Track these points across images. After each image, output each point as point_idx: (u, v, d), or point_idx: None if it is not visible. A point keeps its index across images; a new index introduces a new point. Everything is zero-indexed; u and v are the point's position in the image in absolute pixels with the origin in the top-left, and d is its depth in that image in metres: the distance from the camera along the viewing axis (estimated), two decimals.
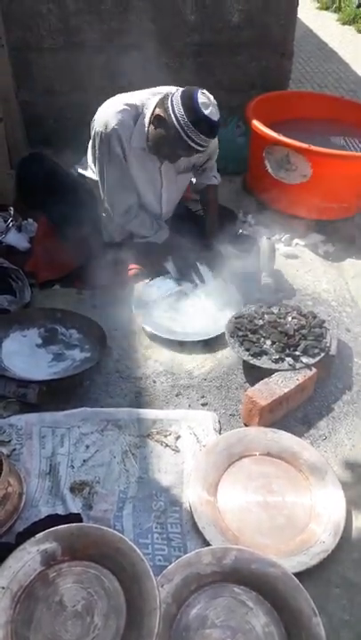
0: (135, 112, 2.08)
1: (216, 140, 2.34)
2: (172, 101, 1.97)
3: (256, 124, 2.74)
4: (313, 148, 2.54)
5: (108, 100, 2.14)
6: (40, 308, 2.24)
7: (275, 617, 1.34)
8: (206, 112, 1.92)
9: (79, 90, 3.08)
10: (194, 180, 2.54)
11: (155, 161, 2.20)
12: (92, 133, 2.17)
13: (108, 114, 2.09)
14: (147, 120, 2.07)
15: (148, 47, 3.04)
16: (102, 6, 2.88)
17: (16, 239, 2.49)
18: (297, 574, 1.40)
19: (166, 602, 1.33)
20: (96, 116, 2.13)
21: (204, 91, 1.98)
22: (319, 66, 5.45)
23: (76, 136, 2.27)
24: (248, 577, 1.40)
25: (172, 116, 1.95)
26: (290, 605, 1.34)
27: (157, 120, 2.02)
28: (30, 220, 2.59)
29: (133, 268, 2.39)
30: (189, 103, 1.93)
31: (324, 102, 3.20)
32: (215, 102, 1.98)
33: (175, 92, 2.01)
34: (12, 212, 2.54)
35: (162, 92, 2.09)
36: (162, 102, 2.01)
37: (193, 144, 1.97)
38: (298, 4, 3.13)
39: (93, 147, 2.21)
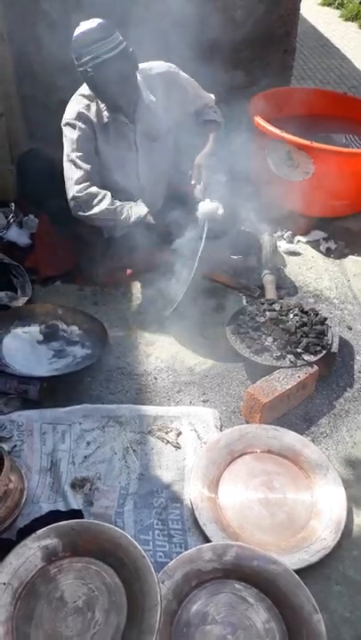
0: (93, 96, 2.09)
1: (202, 91, 2.32)
2: None
3: (258, 120, 2.73)
4: (315, 144, 2.53)
5: (72, 97, 2.16)
6: (41, 305, 2.24)
7: (276, 613, 1.35)
8: (77, 31, 1.93)
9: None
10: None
11: (128, 132, 2.16)
12: (63, 128, 2.14)
13: (71, 106, 2.11)
14: None
15: (150, 43, 3.03)
16: (105, 2, 2.86)
17: (17, 235, 2.49)
18: (298, 571, 1.40)
19: (167, 598, 1.33)
20: (65, 112, 2.13)
21: None
22: (322, 62, 5.43)
23: None
24: (249, 574, 1.40)
25: (75, 63, 1.96)
26: (291, 602, 1.34)
27: (82, 78, 2.01)
28: (31, 216, 2.58)
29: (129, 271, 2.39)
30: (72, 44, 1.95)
31: (327, 99, 3.18)
32: (94, 19, 1.95)
33: None
34: (13, 208, 2.53)
35: None
36: None
37: (90, 63, 1.91)
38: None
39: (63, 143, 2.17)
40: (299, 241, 2.78)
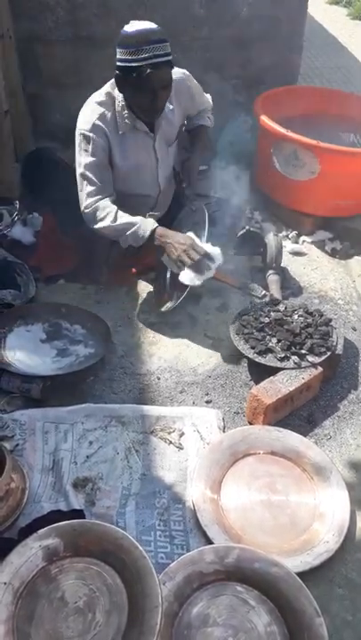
0: (110, 100, 2.06)
1: (204, 95, 2.32)
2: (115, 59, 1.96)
3: (264, 119, 2.71)
4: (321, 144, 2.52)
5: (86, 102, 2.11)
6: (44, 303, 2.24)
7: (277, 616, 1.34)
8: (132, 29, 1.89)
9: (86, 84, 3.04)
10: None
11: (147, 140, 2.16)
12: (76, 138, 2.10)
13: (86, 113, 2.07)
14: (120, 97, 2.04)
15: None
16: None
17: (21, 233, 2.49)
18: (300, 574, 1.39)
19: (168, 600, 1.32)
20: (78, 121, 2.09)
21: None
22: (328, 61, 5.40)
23: None
24: (251, 576, 1.39)
25: (118, 63, 1.92)
26: (292, 605, 1.33)
27: (118, 84, 1.99)
28: (36, 215, 2.58)
29: (134, 270, 2.40)
30: (119, 39, 1.91)
31: (334, 98, 3.17)
32: (144, 22, 1.92)
33: None
34: (17, 206, 2.53)
35: None
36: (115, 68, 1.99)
37: (146, 61, 1.87)
38: None
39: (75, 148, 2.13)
40: (304, 241, 2.76)
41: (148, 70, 1.88)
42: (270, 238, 2.41)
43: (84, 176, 2.08)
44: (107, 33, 2.94)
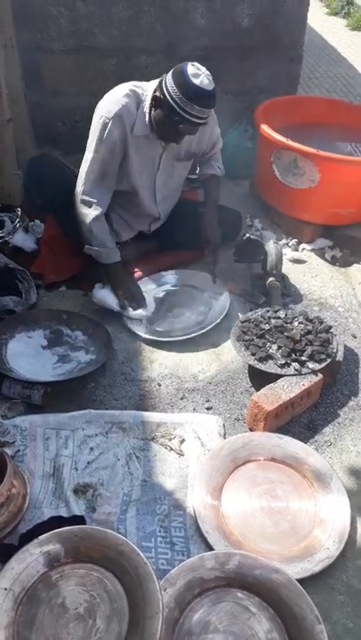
0: (137, 99, 2.09)
1: (218, 127, 2.38)
2: (165, 80, 2.00)
3: (264, 128, 2.74)
4: (321, 152, 2.54)
5: (113, 89, 2.14)
6: (46, 310, 2.25)
7: (278, 623, 1.33)
8: (197, 82, 1.93)
9: (87, 93, 3.08)
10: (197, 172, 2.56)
11: (157, 148, 2.19)
12: (93, 120, 2.13)
13: (112, 100, 2.08)
14: (147, 104, 2.07)
15: (157, 51, 3.05)
16: (113, 10, 2.89)
17: (23, 240, 2.50)
18: (300, 580, 1.39)
19: (169, 606, 1.32)
20: (100, 103, 2.12)
21: (195, 63, 1.99)
22: (328, 71, 5.45)
23: (83, 139, 2.25)
24: (252, 582, 1.39)
25: (167, 93, 1.97)
26: (293, 612, 1.33)
27: (155, 101, 2.04)
28: (37, 222, 2.59)
29: (137, 270, 2.42)
30: (180, 77, 1.95)
31: (333, 107, 3.20)
32: (207, 72, 1.98)
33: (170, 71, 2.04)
34: (19, 213, 2.54)
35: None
36: (159, 84, 2.03)
37: (190, 117, 1.97)
38: (308, 9, 3.14)
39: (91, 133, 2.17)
40: (304, 249, 2.78)
41: (178, 120, 1.99)
42: (270, 246, 2.43)
43: (94, 161, 2.12)
44: (109, 43, 2.99)
